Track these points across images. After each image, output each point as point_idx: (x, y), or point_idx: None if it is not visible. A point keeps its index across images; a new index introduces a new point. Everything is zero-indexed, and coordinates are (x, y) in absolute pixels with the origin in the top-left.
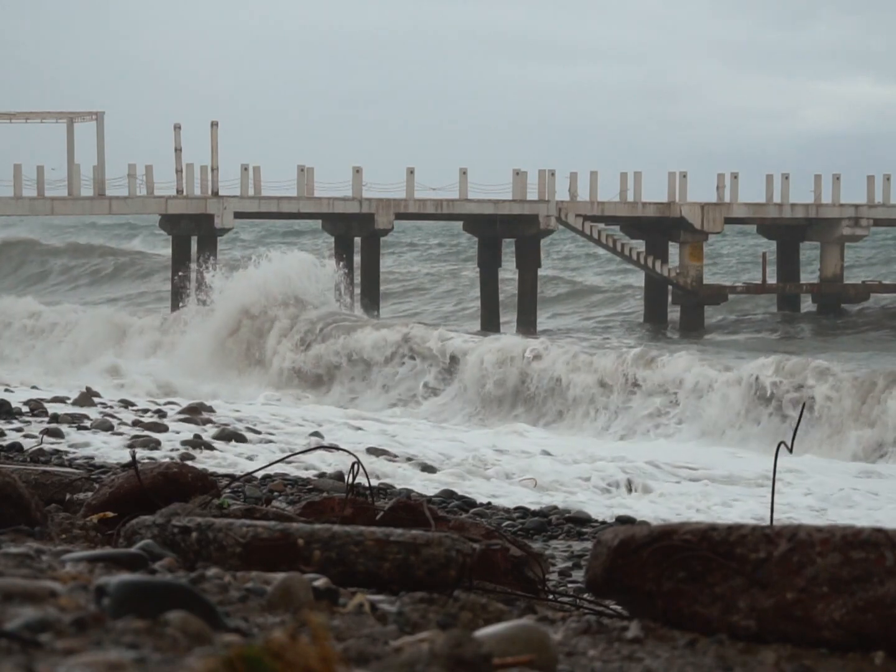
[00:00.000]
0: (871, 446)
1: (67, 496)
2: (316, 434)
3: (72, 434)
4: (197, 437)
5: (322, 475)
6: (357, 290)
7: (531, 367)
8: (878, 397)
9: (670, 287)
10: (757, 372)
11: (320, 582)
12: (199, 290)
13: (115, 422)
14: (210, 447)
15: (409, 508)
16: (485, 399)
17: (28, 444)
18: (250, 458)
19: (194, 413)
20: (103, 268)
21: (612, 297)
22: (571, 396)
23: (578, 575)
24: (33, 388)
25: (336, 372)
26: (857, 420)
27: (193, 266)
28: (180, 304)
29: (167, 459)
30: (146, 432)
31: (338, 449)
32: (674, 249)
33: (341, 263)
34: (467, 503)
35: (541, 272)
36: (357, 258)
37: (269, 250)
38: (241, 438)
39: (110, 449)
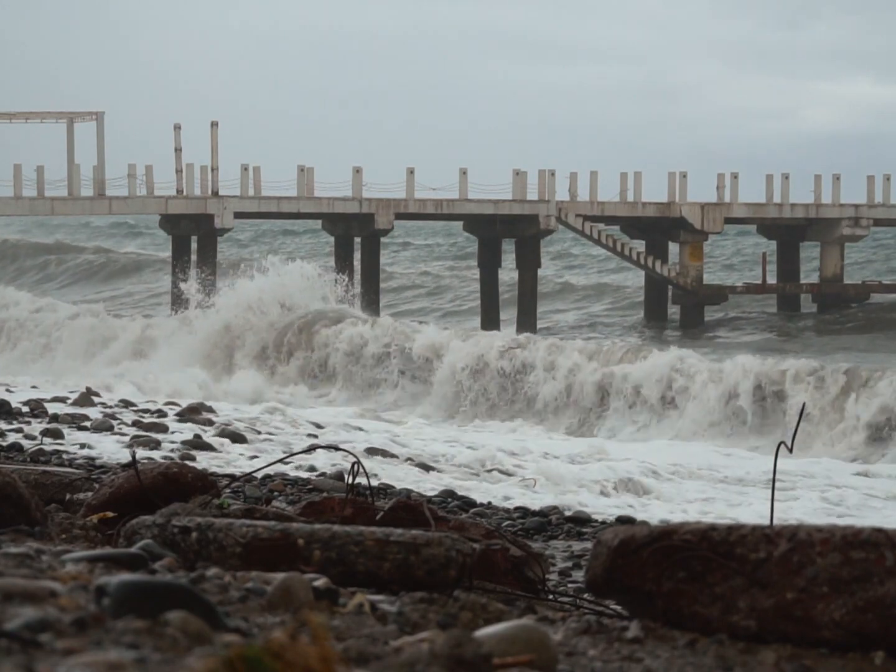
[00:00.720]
0: (861, 446)
1: (67, 496)
2: (314, 435)
3: (72, 434)
4: (197, 437)
5: (322, 475)
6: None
7: (508, 359)
8: (856, 396)
9: (670, 287)
10: (745, 370)
11: (320, 582)
12: (197, 295)
13: (115, 422)
14: (210, 447)
15: (409, 508)
16: (475, 397)
17: (28, 444)
18: (251, 458)
19: (194, 413)
20: (99, 265)
21: (611, 297)
22: (564, 396)
23: (578, 575)
24: (33, 387)
25: (330, 371)
26: (843, 418)
27: (193, 266)
28: (180, 306)
29: (167, 459)
30: (146, 433)
31: (338, 449)
32: (674, 249)
33: (352, 280)
34: (467, 503)
35: (540, 272)
36: (357, 258)
37: (265, 258)
38: (241, 439)
39: (110, 449)
